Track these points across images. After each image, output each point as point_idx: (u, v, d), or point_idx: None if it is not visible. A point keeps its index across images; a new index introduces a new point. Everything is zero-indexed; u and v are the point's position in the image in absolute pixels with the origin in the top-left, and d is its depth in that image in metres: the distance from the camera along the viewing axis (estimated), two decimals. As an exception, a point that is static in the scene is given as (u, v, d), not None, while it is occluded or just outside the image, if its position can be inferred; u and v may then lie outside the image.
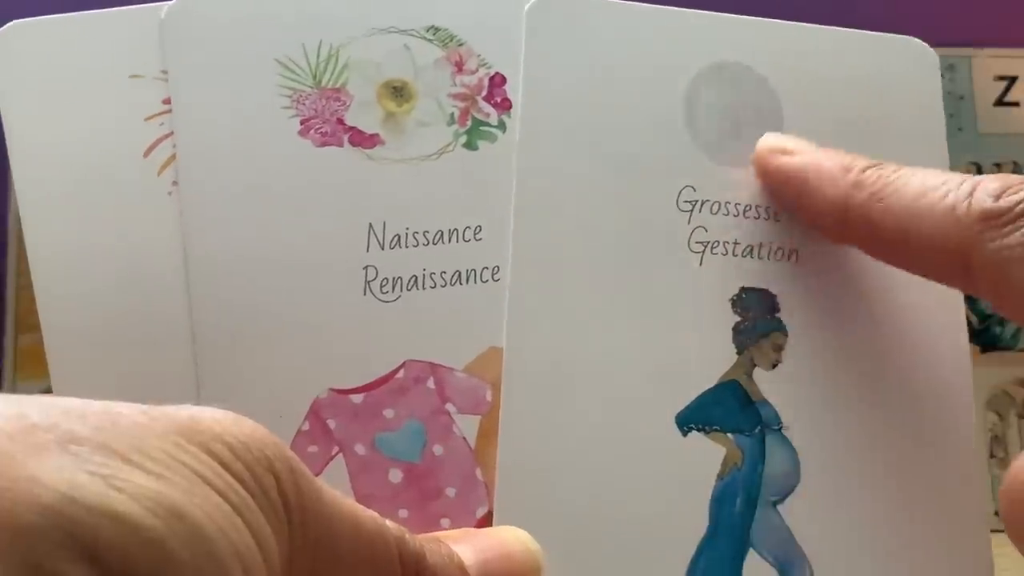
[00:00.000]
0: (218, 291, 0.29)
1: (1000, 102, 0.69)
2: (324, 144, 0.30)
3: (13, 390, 0.76)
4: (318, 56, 0.30)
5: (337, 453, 0.29)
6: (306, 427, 0.29)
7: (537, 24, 0.31)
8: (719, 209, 0.32)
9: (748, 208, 0.32)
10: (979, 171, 0.66)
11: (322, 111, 0.30)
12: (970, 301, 0.34)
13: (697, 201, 0.31)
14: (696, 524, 0.30)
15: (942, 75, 0.34)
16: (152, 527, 0.17)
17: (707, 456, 0.30)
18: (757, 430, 0.31)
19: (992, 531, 0.32)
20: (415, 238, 0.30)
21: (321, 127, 0.30)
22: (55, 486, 0.16)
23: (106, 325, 0.29)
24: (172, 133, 0.30)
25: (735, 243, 0.31)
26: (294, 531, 0.21)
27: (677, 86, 0.32)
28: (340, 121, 0.30)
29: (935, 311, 0.32)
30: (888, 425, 0.31)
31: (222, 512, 0.18)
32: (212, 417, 0.20)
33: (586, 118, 0.31)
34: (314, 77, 0.30)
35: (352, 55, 0.31)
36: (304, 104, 0.30)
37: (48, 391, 0.28)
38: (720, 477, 0.30)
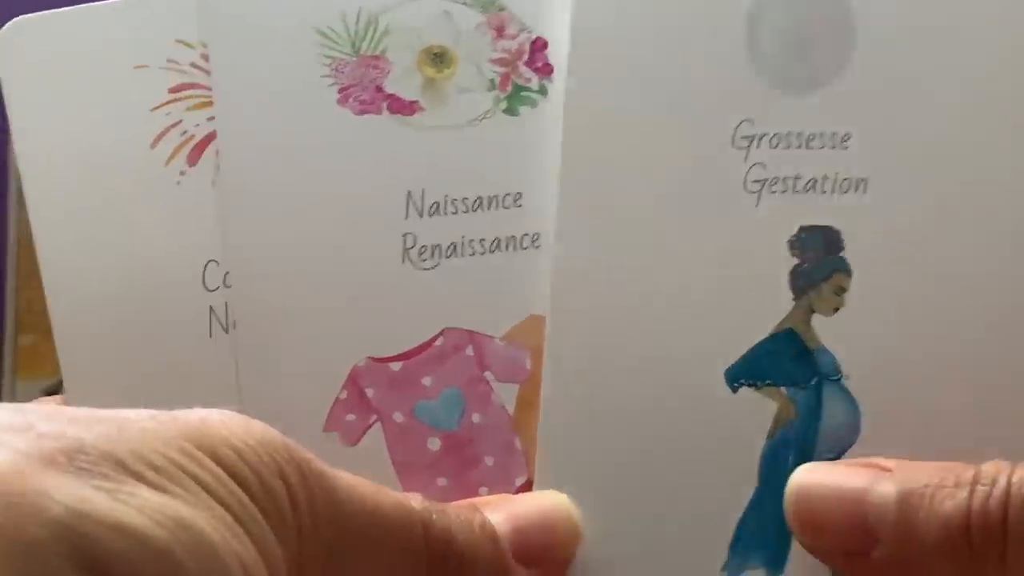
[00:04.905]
0: (256, 261, 0.29)
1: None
2: (363, 112, 0.30)
3: (13, 389, 0.78)
4: (357, 23, 0.30)
5: (375, 421, 0.29)
6: (344, 395, 0.29)
7: None
8: (779, 142, 0.29)
9: (812, 137, 0.29)
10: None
11: (361, 79, 0.30)
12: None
13: (755, 136, 0.29)
14: (745, 485, 0.28)
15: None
16: (159, 538, 0.17)
17: (758, 412, 0.29)
18: (814, 382, 0.29)
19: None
20: (454, 205, 0.30)
21: (360, 95, 0.30)
22: (62, 499, 0.16)
23: (116, 316, 0.30)
24: (179, 123, 0.30)
25: (796, 178, 0.29)
26: (304, 536, 0.21)
27: (738, 6, 0.29)
28: (379, 88, 0.30)
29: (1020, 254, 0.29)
30: (961, 376, 0.28)
31: (225, 523, 0.19)
32: (221, 421, 0.20)
33: (638, 56, 0.29)
34: (353, 45, 0.30)
35: (391, 22, 0.30)
36: (343, 72, 0.30)
37: (48, 390, 0.29)
38: (771, 434, 0.29)
